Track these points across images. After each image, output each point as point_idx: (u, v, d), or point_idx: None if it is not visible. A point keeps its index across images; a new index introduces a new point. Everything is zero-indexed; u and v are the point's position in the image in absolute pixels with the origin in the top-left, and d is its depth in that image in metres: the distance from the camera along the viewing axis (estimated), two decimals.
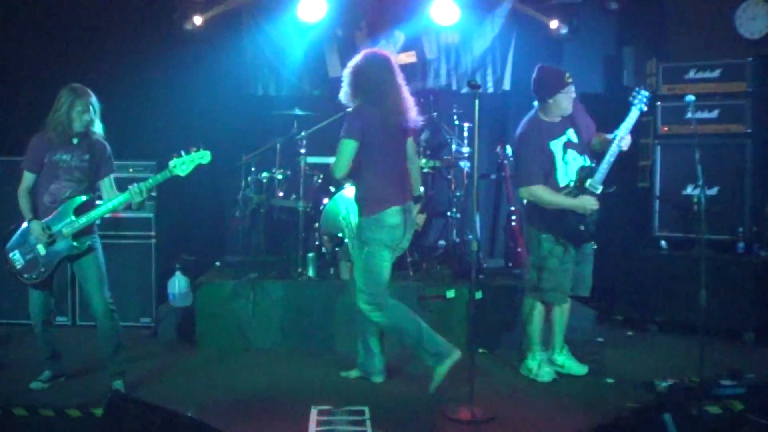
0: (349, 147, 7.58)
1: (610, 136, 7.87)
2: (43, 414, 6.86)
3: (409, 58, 11.66)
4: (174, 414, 5.75)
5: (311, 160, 10.19)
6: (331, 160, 8.76)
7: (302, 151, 9.88)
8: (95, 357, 8.14)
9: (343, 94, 7.94)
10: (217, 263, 10.98)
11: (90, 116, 7.46)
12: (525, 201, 8.21)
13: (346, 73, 7.91)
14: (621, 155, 7.85)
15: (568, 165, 7.89)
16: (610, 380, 8.08)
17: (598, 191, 7.77)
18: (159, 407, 5.78)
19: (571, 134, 7.95)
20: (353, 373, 8.25)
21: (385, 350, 8.18)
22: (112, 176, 7.70)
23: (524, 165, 7.90)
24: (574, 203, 7.72)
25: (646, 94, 7.89)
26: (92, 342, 8.07)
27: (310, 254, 9.73)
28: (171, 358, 8.91)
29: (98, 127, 7.64)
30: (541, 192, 7.76)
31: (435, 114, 11.03)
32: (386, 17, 11.67)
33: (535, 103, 8.06)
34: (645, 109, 7.92)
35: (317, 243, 10.01)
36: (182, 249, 10.79)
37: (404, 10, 11.53)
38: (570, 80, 7.85)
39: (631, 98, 7.89)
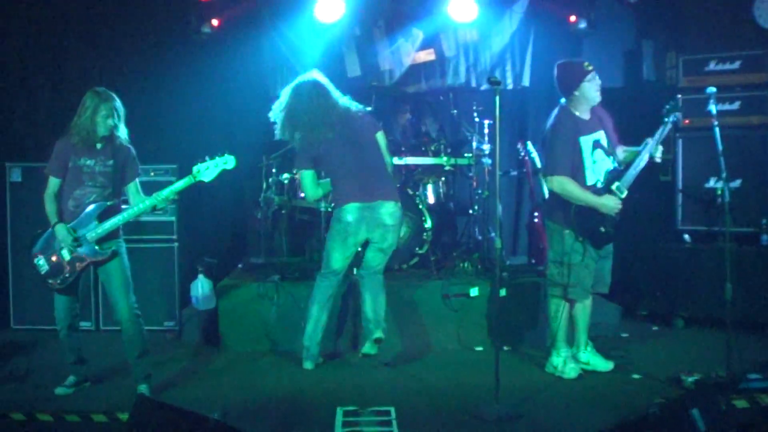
0: (307, 176, 8.43)
1: (639, 147, 7.86)
2: (69, 419, 6.86)
3: (428, 56, 11.65)
4: (199, 417, 5.76)
5: None
6: None
7: None
8: (119, 361, 8.16)
9: (281, 132, 8.48)
10: (240, 265, 11.00)
11: (114, 121, 7.45)
12: (547, 194, 8.19)
13: (278, 114, 8.42)
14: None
15: (597, 164, 7.85)
16: (636, 376, 8.03)
17: (623, 195, 7.74)
18: (184, 410, 5.80)
19: (600, 136, 7.93)
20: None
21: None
22: (137, 180, 7.69)
23: (553, 154, 7.86)
24: (598, 201, 7.69)
25: (678, 112, 7.91)
26: (116, 346, 8.09)
27: None
28: (195, 361, 8.92)
29: (123, 132, 7.63)
30: (566, 183, 7.72)
31: (455, 112, 11.02)
32: (404, 15, 11.66)
33: (562, 100, 8.02)
34: (676, 121, 7.92)
35: None
36: (205, 252, 10.81)
37: (422, 8, 11.52)
38: (590, 68, 7.85)
39: (664, 111, 7.89)
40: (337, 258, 8.43)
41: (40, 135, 10.89)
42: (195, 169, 7.32)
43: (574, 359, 8.15)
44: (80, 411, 6.98)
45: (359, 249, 8.56)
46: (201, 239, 11.46)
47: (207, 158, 7.36)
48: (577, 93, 7.85)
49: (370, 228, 8.23)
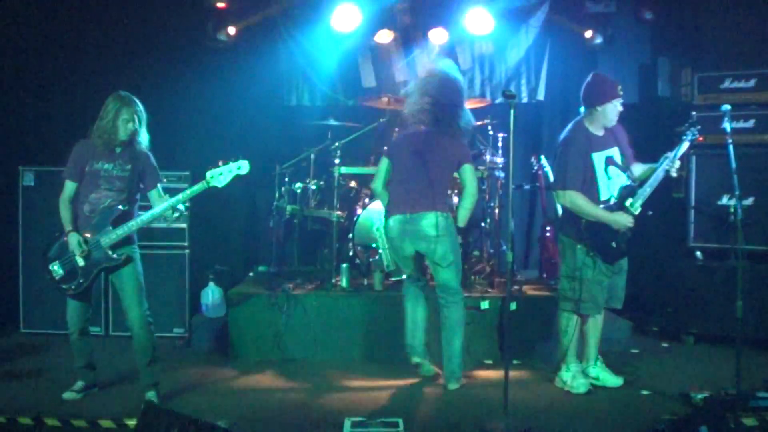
0: (382, 164, 8.46)
1: (656, 164, 7.86)
2: (76, 424, 6.85)
3: None
4: (207, 425, 5.76)
5: (345, 170, 10.16)
6: (367, 169, 8.88)
7: (336, 161, 9.87)
8: (128, 368, 8.17)
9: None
10: (251, 274, 11.02)
11: (135, 125, 7.44)
12: (560, 209, 8.18)
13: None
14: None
15: (611, 180, 7.84)
16: (645, 392, 8.00)
17: (636, 212, 7.72)
18: (192, 418, 5.80)
19: (614, 152, 7.90)
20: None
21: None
22: (160, 187, 7.69)
23: (564, 169, 7.84)
24: (610, 217, 7.67)
25: (696, 127, 7.92)
26: (125, 353, 8.12)
27: (344, 265, 9.70)
28: (204, 368, 8.91)
29: (143, 137, 7.63)
30: (576, 197, 7.71)
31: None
32: (420, 27, 11.66)
33: (581, 109, 8.00)
34: (693, 139, 7.93)
35: (351, 254, 10.00)
36: (216, 259, 10.82)
37: (438, 20, 11.51)
38: (621, 92, 7.83)
39: (683, 129, 7.92)
40: (401, 265, 8.63)
41: (54, 140, 10.89)
42: (208, 174, 7.28)
43: (583, 374, 8.13)
44: (87, 416, 6.97)
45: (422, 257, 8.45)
46: (212, 247, 11.47)
47: (220, 163, 7.32)
48: (599, 109, 7.82)
49: (413, 240, 8.12)
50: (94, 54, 11.34)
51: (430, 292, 8.50)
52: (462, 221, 8.29)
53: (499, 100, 11.60)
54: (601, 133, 7.91)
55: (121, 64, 11.28)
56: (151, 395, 7.51)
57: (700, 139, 9.48)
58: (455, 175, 8.31)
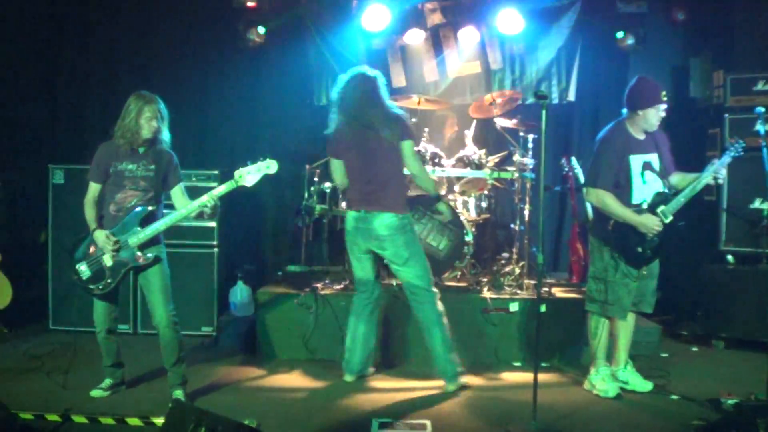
0: (335, 165, 8.34)
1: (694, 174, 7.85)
2: (104, 422, 6.87)
3: (474, 68, 11.62)
4: (235, 424, 5.75)
5: None
6: None
7: None
8: (156, 366, 8.19)
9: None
10: (280, 273, 10.99)
11: (158, 123, 7.44)
12: (591, 210, 8.14)
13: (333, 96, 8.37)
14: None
15: (647, 185, 7.78)
16: (675, 397, 7.95)
17: (667, 220, 7.66)
18: (219, 416, 5.80)
19: (653, 158, 7.85)
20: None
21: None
22: (182, 185, 7.69)
23: (597, 166, 7.81)
24: (637, 219, 7.61)
25: (743, 144, 7.83)
26: (153, 351, 8.10)
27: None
28: (232, 367, 8.91)
29: (166, 135, 7.62)
30: (605, 196, 7.68)
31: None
32: (451, 27, 11.63)
33: (624, 111, 7.97)
34: (738, 156, 7.88)
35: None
36: (244, 258, 10.84)
37: (469, 20, 11.48)
38: (665, 98, 7.77)
39: (728, 145, 7.86)
40: (356, 267, 8.42)
41: (83, 138, 10.98)
42: (237, 173, 7.26)
43: (613, 378, 8.08)
44: (115, 414, 6.99)
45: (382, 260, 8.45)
46: (241, 246, 11.49)
47: (249, 162, 7.30)
48: (641, 113, 7.77)
49: (366, 239, 8.12)
50: (126, 53, 11.40)
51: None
52: (429, 192, 8.52)
53: (530, 100, 11.55)
54: (641, 137, 7.86)
55: (151, 63, 11.33)
56: (178, 393, 7.53)
57: (732, 141, 9.45)
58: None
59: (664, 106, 7.76)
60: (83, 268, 7.50)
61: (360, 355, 8.42)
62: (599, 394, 7.95)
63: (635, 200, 7.73)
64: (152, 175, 7.49)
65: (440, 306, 8.18)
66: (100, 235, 7.35)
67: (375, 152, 7.98)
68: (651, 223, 7.59)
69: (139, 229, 7.34)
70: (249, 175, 7.26)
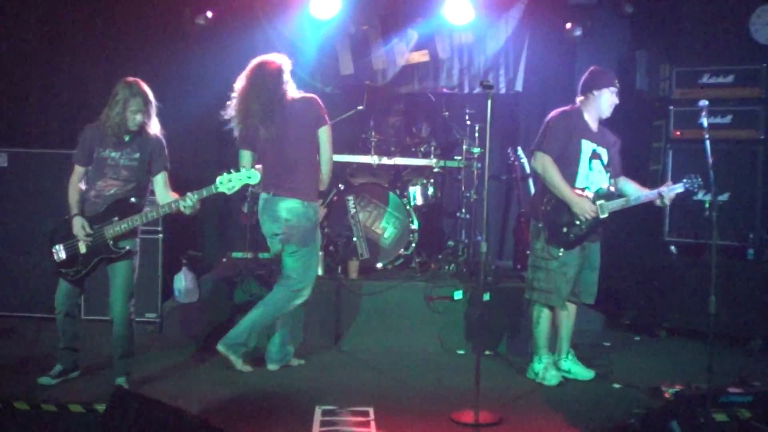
0: (244, 157, 8.32)
1: (646, 190, 8.02)
2: (45, 408, 6.82)
3: (422, 57, 11.62)
4: (177, 411, 5.74)
5: None
6: (343, 158, 8.86)
7: None
8: (101, 352, 8.17)
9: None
10: (224, 260, 10.96)
11: (143, 117, 7.45)
12: (532, 188, 8.21)
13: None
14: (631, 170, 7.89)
15: (591, 173, 7.90)
16: (616, 385, 8.03)
17: (602, 216, 7.74)
18: (162, 403, 5.77)
19: (602, 151, 7.97)
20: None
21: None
22: (165, 174, 7.66)
23: (546, 133, 7.92)
24: (572, 197, 7.69)
25: (700, 182, 7.92)
26: (98, 336, 8.07)
27: (319, 252, 9.68)
28: (175, 354, 8.88)
29: (154, 125, 7.64)
30: (549, 163, 7.79)
31: (447, 114, 11.02)
32: (399, 15, 11.63)
33: (578, 100, 8.09)
34: (691, 191, 8.02)
35: (325, 241, 9.96)
36: (189, 245, 10.77)
37: (418, 9, 11.49)
38: (617, 85, 7.97)
39: (685, 179, 7.94)
40: (270, 245, 8.42)
41: (28, 121, 10.86)
42: (218, 180, 7.24)
43: (555, 366, 8.15)
44: (57, 401, 6.94)
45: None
46: (186, 232, 11.42)
47: (231, 171, 7.28)
48: (595, 93, 7.94)
49: (270, 220, 8.12)
50: (69, 35, 11.26)
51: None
52: (322, 185, 8.29)
53: (477, 90, 11.56)
54: (594, 126, 8.00)
55: (95, 45, 11.21)
56: (120, 381, 7.47)
57: (677, 134, 9.55)
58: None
59: (615, 90, 7.94)
60: (58, 249, 7.46)
61: (277, 341, 8.42)
62: (542, 383, 8.02)
63: (579, 184, 7.83)
64: (135, 165, 7.47)
65: (291, 305, 8.25)
66: (77, 223, 7.32)
67: (286, 137, 8.03)
68: (586, 207, 7.66)
69: (117, 220, 7.30)
70: (229, 183, 7.24)
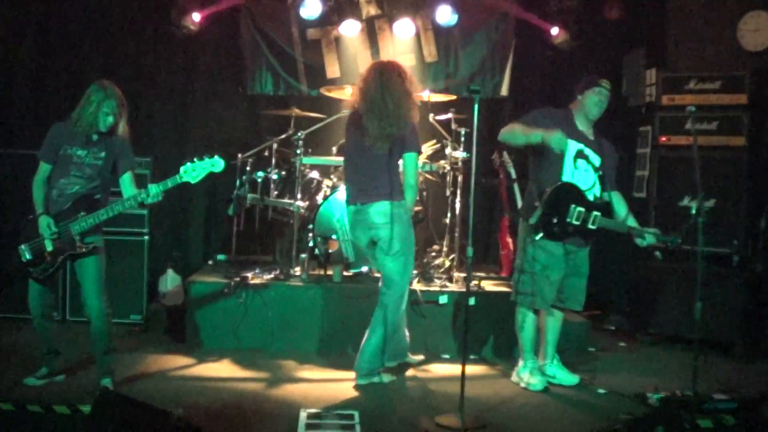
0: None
1: (634, 224, 8.05)
2: (30, 410, 6.78)
3: (408, 60, 11.62)
4: (161, 412, 5.73)
5: (307, 160, 10.14)
6: (327, 160, 8.85)
7: (298, 151, 9.80)
8: (85, 353, 8.13)
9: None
10: (210, 262, 10.95)
11: (115, 119, 7.43)
12: (519, 198, 8.19)
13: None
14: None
15: (578, 171, 7.89)
16: (601, 391, 8.03)
17: (592, 227, 7.78)
18: (146, 405, 5.77)
19: (591, 154, 7.97)
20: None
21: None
22: (131, 173, 7.59)
23: (529, 115, 7.98)
24: (545, 133, 7.58)
25: (679, 241, 7.96)
26: (82, 338, 8.05)
27: (303, 255, 9.69)
28: (160, 356, 8.84)
29: (123, 129, 7.58)
30: (514, 124, 7.90)
31: (433, 117, 11.02)
32: (386, 18, 11.65)
33: (570, 106, 8.14)
34: (666, 245, 8.18)
35: (311, 245, 9.95)
36: (175, 247, 10.77)
37: (405, 13, 11.50)
38: (604, 85, 7.94)
39: (667, 235, 7.99)
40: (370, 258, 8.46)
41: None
42: (182, 169, 7.18)
43: (540, 372, 8.15)
44: (42, 402, 6.90)
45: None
46: (172, 234, 11.43)
47: (195, 159, 7.24)
48: (579, 97, 7.98)
49: (364, 229, 8.05)
50: (52, 35, 11.21)
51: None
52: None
53: (464, 94, 11.57)
54: (588, 132, 8.05)
55: (81, 45, 11.18)
56: (106, 382, 7.46)
57: (663, 139, 9.57)
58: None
59: (601, 90, 7.92)
60: (24, 250, 7.42)
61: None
62: (527, 388, 8.02)
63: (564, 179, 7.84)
64: (100, 164, 7.43)
65: (402, 310, 8.18)
66: (43, 221, 7.29)
67: (371, 153, 7.96)
68: (559, 137, 7.59)
69: (82, 216, 7.26)
70: (193, 172, 7.20)
